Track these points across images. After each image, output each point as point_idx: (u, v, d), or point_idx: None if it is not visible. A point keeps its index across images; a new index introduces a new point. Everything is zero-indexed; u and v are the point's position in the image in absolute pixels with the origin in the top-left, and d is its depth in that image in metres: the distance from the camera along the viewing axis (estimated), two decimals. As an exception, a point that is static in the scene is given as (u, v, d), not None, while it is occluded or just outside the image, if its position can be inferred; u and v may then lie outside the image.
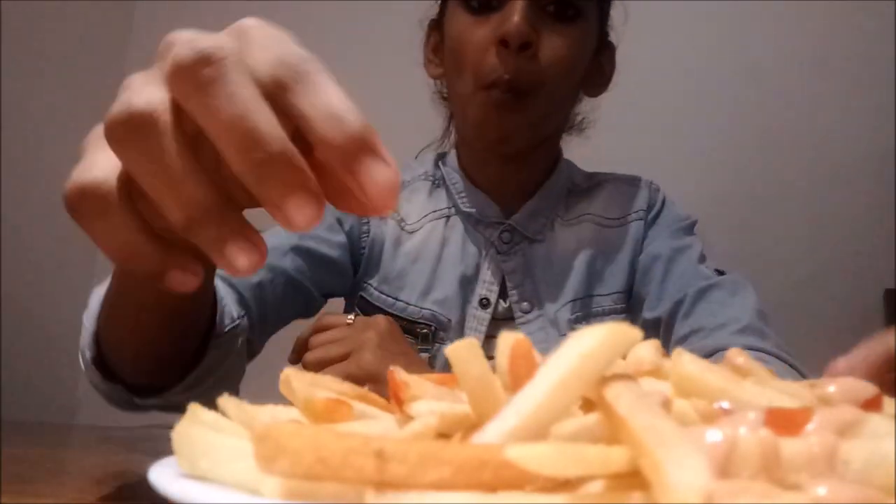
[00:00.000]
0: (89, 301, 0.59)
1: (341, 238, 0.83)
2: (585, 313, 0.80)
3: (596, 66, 0.83)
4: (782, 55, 1.31)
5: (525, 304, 0.80)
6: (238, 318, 0.66)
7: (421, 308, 0.81)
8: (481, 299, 0.81)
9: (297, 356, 0.71)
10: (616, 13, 0.87)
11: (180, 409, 0.57)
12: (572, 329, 0.78)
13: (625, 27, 1.31)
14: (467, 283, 0.81)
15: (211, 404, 0.29)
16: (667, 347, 0.77)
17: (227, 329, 0.62)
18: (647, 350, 0.29)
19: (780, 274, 1.24)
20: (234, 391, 0.61)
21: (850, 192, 1.26)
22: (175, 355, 0.57)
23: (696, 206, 1.23)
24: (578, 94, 0.84)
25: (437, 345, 0.80)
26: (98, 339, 0.55)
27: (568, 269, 0.81)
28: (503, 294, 0.81)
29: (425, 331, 0.80)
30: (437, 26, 0.84)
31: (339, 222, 0.83)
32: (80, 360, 0.61)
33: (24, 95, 1.38)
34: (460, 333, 0.80)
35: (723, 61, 1.33)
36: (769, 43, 1.32)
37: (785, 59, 1.31)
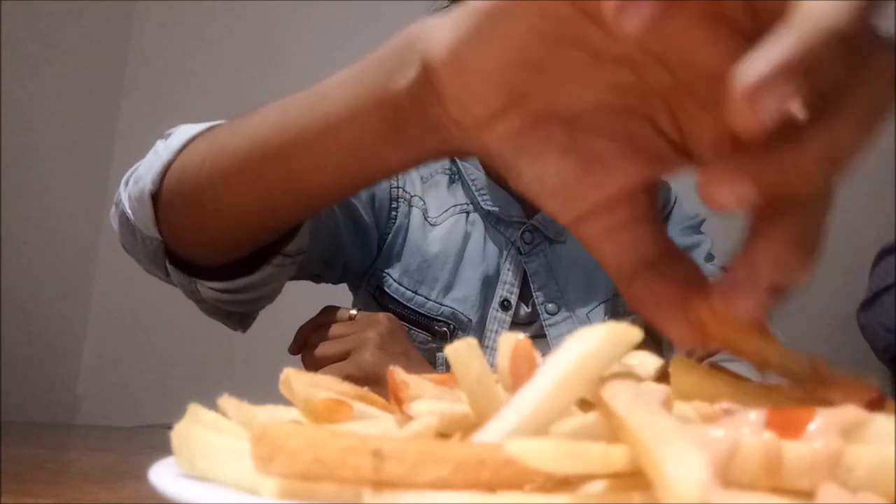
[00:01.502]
0: (172, 133, 0.54)
1: (371, 218, 0.79)
2: (617, 311, 0.79)
3: None
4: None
5: (551, 305, 0.79)
6: (306, 248, 0.59)
7: (441, 305, 0.79)
8: (502, 301, 0.79)
9: (298, 347, 0.71)
10: None
11: (201, 300, 0.55)
12: None
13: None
14: (487, 284, 0.80)
15: (211, 405, 0.29)
16: (670, 346, 0.77)
17: (295, 252, 0.57)
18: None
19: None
20: (254, 315, 0.62)
21: (851, 191, 1.26)
22: (246, 243, 0.52)
23: (700, 205, 1.23)
24: None
25: None
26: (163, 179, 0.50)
27: (595, 269, 0.80)
28: (523, 296, 0.80)
29: (444, 329, 0.79)
30: None
31: (372, 199, 0.80)
32: (124, 192, 0.55)
33: (24, 95, 1.38)
34: (480, 334, 0.79)
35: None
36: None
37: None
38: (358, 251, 0.79)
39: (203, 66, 1.56)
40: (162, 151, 0.52)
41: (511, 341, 0.26)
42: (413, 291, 0.80)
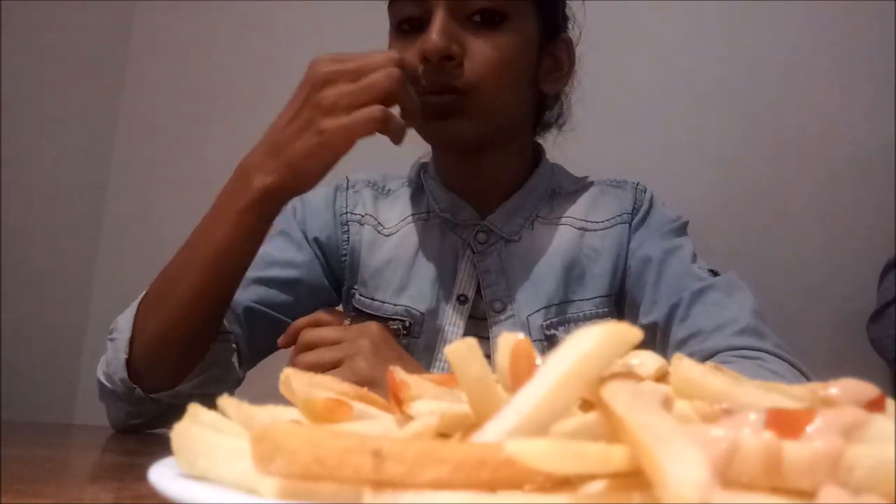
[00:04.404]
0: (116, 323, 0.73)
1: (303, 256, 0.85)
2: (561, 319, 0.79)
3: (550, 62, 0.83)
4: (784, 54, 1.31)
5: (497, 303, 0.80)
6: (229, 330, 0.78)
7: (395, 305, 0.82)
8: (459, 296, 0.81)
9: (288, 341, 0.72)
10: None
11: (177, 409, 0.63)
12: (546, 334, 0.79)
13: (625, 27, 1.30)
14: (443, 282, 0.82)
15: (211, 404, 0.29)
16: (664, 351, 0.77)
17: (223, 331, 0.76)
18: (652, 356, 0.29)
19: (782, 276, 1.23)
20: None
21: (851, 192, 1.25)
22: (199, 347, 0.73)
23: (698, 208, 1.23)
24: (533, 93, 0.83)
25: (412, 339, 0.81)
26: (131, 344, 0.70)
27: (545, 273, 0.81)
28: (480, 293, 0.81)
29: (396, 326, 0.81)
30: None
31: (314, 238, 0.86)
32: (103, 370, 0.73)
33: (24, 95, 1.38)
34: (434, 327, 0.81)
35: (726, 60, 1.33)
36: (771, 41, 1.32)
37: (786, 58, 1.31)
38: (312, 297, 0.85)
39: (203, 66, 1.56)
40: (121, 330, 0.72)
41: (511, 341, 0.26)
42: (370, 298, 0.84)
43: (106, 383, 0.72)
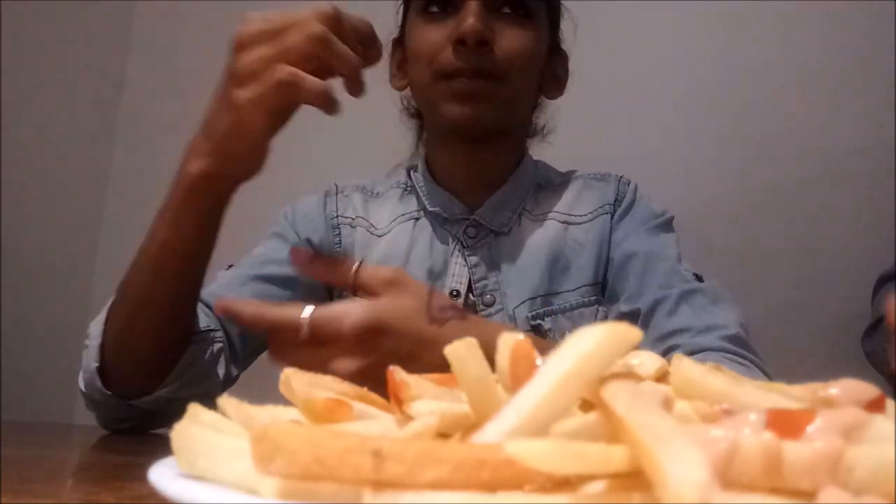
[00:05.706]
0: (89, 330, 0.70)
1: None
2: (547, 310, 0.80)
3: (551, 72, 0.86)
4: (781, 54, 1.31)
5: (488, 296, 0.81)
6: (211, 328, 0.74)
7: None
8: (451, 291, 0.82)
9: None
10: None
11: (165, 411, 0.63)
12: (531, 325, 0.79)
13: (623, 26, 1.30)
14: (435, 278, 0.83)
15: (211, 405, 0.29)
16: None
17: (202, 329, 0.73)
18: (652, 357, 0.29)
19: (781, 276, 1.24)
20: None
21: (851, 193, 1.25)
22: (166, 350, 0.69)
23: (698, 207, 1.23)
24: (539, 96, 0.87)
25: None
26: (102, 351, 0.68)
27: (531, 266, 0.82)
28: (472, 289, 0.82)
29: None
30: (399, 43, 0.88)
31: (307, 239, 0.86)
32: (82, 378, 0.70)
33: (25, 95, 1.38)
34: None
35: (722, 61, 1.33)
36: (767, 41, 1.32)
37: (784, 58, 1.31)
38: (308, 296, 0.83)
39: (203, 66, 1.56)
40: (93, 338, 0.68)
41: (511, 341, 0.26)
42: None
43: (85, 391, 0.71)
